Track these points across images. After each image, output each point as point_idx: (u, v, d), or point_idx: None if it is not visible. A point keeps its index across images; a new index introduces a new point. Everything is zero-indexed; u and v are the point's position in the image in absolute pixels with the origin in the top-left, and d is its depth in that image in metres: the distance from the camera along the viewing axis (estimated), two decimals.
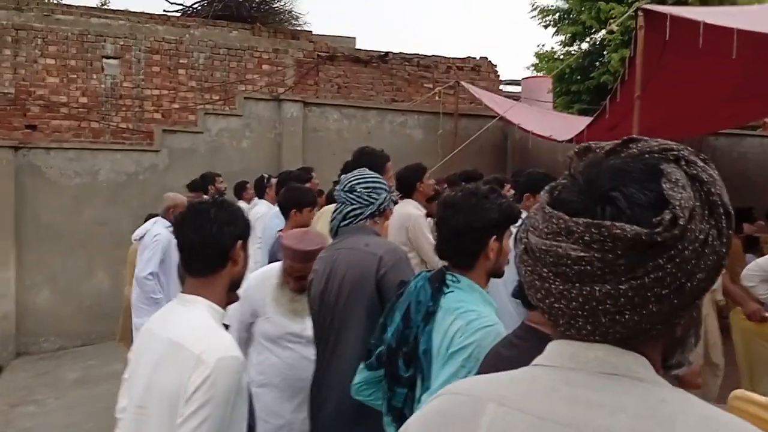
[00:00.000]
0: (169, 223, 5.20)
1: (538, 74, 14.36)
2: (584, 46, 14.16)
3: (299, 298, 2.52)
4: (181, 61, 10.24)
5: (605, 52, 13.01)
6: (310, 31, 11.64)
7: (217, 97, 10.28)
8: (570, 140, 7.96)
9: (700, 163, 0.73)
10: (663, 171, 0.70)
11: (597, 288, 0.68)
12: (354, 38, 13.28)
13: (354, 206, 2.26)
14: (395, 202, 2.43)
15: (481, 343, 1.47)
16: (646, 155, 0.73)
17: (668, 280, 0.67)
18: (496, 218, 1.68)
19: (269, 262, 3.79)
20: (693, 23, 5.16)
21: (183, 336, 1.61)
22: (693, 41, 5.13)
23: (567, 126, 8.28)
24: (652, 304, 0.68)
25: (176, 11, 12.03)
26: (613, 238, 0.67)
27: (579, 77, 13.73)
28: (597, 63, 13.59)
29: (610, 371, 0.70)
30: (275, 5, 12.59)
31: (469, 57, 11.57)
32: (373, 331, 1.88)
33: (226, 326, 1.78)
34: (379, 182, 2.31)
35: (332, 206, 3.32)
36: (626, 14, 6.22)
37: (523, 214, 3.36)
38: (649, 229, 0.66)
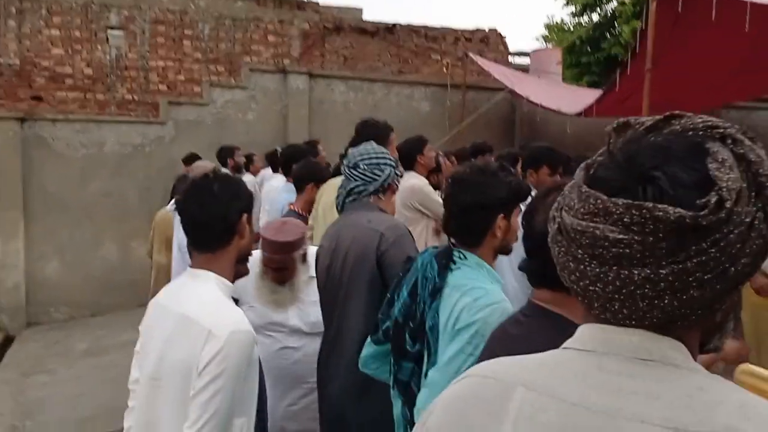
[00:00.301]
0: None
1: (548, 46, 14.19)
2: (595, 17, 13.93)
3: (280, 289, 2.48)
4: (186, 32, 10.14)
5: (616, 24, 12.80)
6: (317, 2, 11.49)
7: (223, 69, 10.21)
8: (579, 113, 7.89)
9: (748, 142, 0.69)
10: (708, 150, 0.67)
11: (636, 272, 0.66)
12: (361, 9, 13.08)
13: (357, 183, 2.25)
14: (401, 176, 2.41)
15: (487, 320, 1.47)
16: (690, 132, 0.70)
17: (711, 265, 0.65)
18: (505, 196, 1.67)
19: None
20: None
21: (194, 310, 1.63)
22: (705, 14, 5.05)
23: (576, 99, 8.20)
24: (693, 289, 0.65)
25: None
26: (655, 221, 0.64)
27: (589, 49, 13.54)
28: (608, 34, 13.38)
29: (646, 357, 0.67)
30: None
31: (477, 29, 11.40)
32: (375, 306, 1.89)
33: (236, 300, 1.80)
34: (383, 158, 2.29)
35: (335, 180, 3.32)
36: None
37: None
38: (693, 212, 0.63)
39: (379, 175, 2.24)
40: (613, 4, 12.78)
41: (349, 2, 12.03)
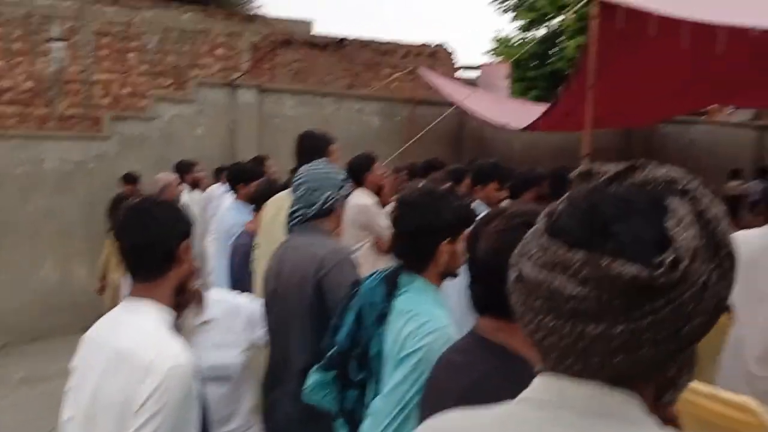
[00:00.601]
0: None
1: (496, 60, 14.46)
2: (541, 32, 14.32)
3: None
4: (131, 44, 9.92)
5: (561, 39, 13.18)
6: (266, 15, 11.42)
7: (170, 82, 10.01)
8: (526, 128, 8.04)
9: (706, 199, 0.69)
10: (667, 206, 0.67)
11: (591, 327, 0.65)
12: (311, 22, 13.10)
13: (299, 205, 2.21)
14: (346, 196, 2.37)
15: (432, 346, 1.45)
16: (651, 185, 0.70)
17: (665, 324, 0.64)
18: (451, 220, 1.66)
19: (231, 258, 3.71)
20: (646, 13, 5.24)
21: (131, 344, 1.55)
22: (646, 31, 5.22)
23: (523, 113, 8.36)
24: (647, 347, 0.65)
25: None
26: (612, 277, 0.63)
27: (536, 63, 13.90)
28: (554, 50, 13.77)
29: (600, 411, 0.67)
30: None
31: (427, 43, 11.54)
32: (318, 333, 1.85)
33: (178, 329, 1.73)
34: (325, 180, 2.24)
35: (281, 194, 3.26)
36: (581, 4, 6.28)
37: (475, 206, 3.39)
38: (649, 271, 0.63)
39: (316, 200, 2.20)
40: (558, 19, 13.14)
41: (299, 15, 12.03)
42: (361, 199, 4.00)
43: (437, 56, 11.41)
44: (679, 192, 0.69)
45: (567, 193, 0.74)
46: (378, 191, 4.26)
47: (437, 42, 11.58)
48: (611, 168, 0.73)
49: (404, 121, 9.33)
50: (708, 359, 3.61)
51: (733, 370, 3.10)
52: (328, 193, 2.19)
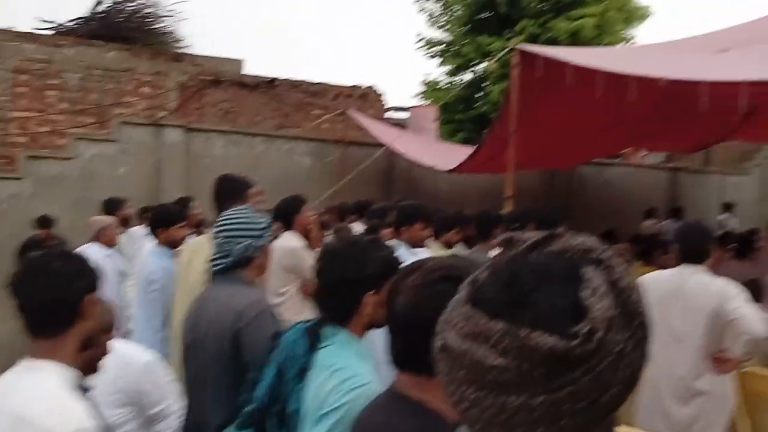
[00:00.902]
0: (106, 249, 4.85)
1: (425, 103, 14.82)
2: (467, 77, 14.80)
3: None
4: (51, 81, 9.55)
5: (487, 84, 13.67)
6: (195, 54, 11.29)
7: (92, 121, 9.67)
8: (452, 170, 8.23)
9: (620, 268, 0.70)
10: (583, 275, 0.68)
11: (512, 399, 0.65)
12: (241, 61, 13.03)
13: (216, 254, 2.15)
14: (268, 242, 2.30)
15: (354, 403, 1.41)
16: (569, 253, 0.71)
17: (583, 395, 0.64)
18: (376, 271, 1.64)
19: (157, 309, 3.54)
20: (562, 63, 5.52)
21: (31, 409, 1.44)
22: (563, 79, 5.48)
23: (450, 155, 8.55)
24: (566, 418, 0.65)
25: (48, 29, 11.26)
26: (530, 348, 0.64)
27: (463, 107, 14.31)
28: (479, 94, 14.24)
29: None
30: (157, 26, 12.12)
31: (357, 85, 11.71)
32: (234, 389, 1.78)
33: (86, 389, 1.62)
34: (242, 229, 2.16)
35: (198, 239, 3.17)
36: (503, 53, 6.55)
37: (396, 245, 3.39)
38: (565, 342, 0.63)
39: (234, 249, 2.12)
40: (482, 66, 13.64)
41: (229, 54, 11.95)
42: (289, 241, 3.95)
43: (367, 98, 11.58)
44: (594, 261, 0.70)
45: (488, 263, 0.74)
46: (307, 234, 4.22)
47: (367, 84, 11.77)
48: (531, 236, 0.74)
49: (335, 162, 9.37)
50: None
51: (651, 408, 3.21)
52: (247, 242, 2.13)
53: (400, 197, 8.34)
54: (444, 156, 8.64)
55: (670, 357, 3.14)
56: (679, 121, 6.97)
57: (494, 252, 3.50)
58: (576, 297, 0.65)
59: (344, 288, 1.63)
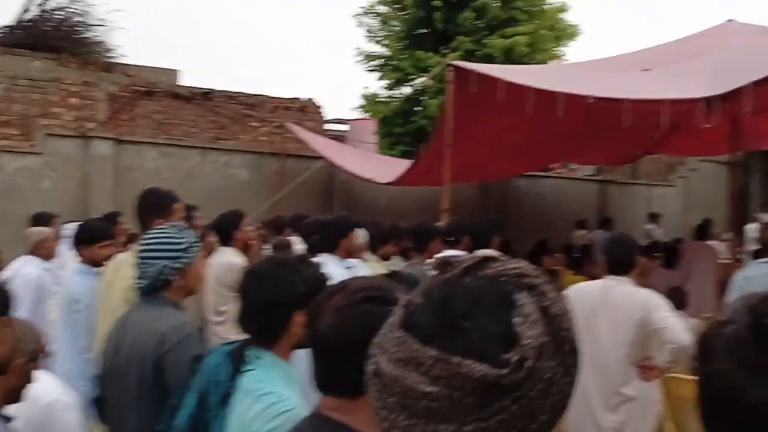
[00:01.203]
0: (44, 263, 4.51)
1: (365, 116, 14.90)
2: (406, 90, 14.96)
3: None
4: None
5: (425, 98, 13.85)
6: (127, 64, 10.97)
7: (15, 133, 9.23)
8: (390, 182, 8.28)
9: (552, 294, 0.70)
10: (515, 302, 0.67)
11: (442, 427, 0.64)
12: (176, 71, 12.74)
13: (137, 276, 2.07)
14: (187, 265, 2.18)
15: (280, 430, 1.37)
16: (502, 279, 0.70)
17: (513, 422, 0.64)
18: (303, 291, 1.60)
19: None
20: (495, 80, 5.65)
21: None
22: (496, 96, 5.61)
23: (389, 168, 8.61)
24: None
25: None
26: (462, 376, 0.63)
27: (401, 120, 14.46)
28: (418, 108, 14.41)
29: None
30: (87, 35, 11.71)
31: (296, 97, 11.64)
32: (156, 416, 1.71)
33: (7, 419, 1.51)
34: (156, 251, 2.06)
35: (121, 256, 3.05)
36: (438, 69, 6.66)
37: (323, 261, 3.36)
38: (496, 370, 0.63)
39: (151, 271, 2.03)
40: (419, 81, 13.83)
41: (164, 64, 11.67)
42: (228, 257, 3.86)
43: (306, 110, 11.52)
44: (527, 287, 0.70)
45: (422, 286, 0.74)
46: (246, 249, 4.13)
47: (306, 96, 11.72)
48: (466, 260, 0.74)
49: (273, 175, 9.26)
50: None
51: (581, 416, 3.29)
52: (164, 264, 2.03)
53: (340, 210, 8.33)
54: (383, 169, 8.69)
55: (598, 366, 3.23)
56: (606, 136, 7.25)
57: (431, 263, 3.52)
58: (508, 324, 0.65)
59: (272, 309, 1.59)
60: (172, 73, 12.36)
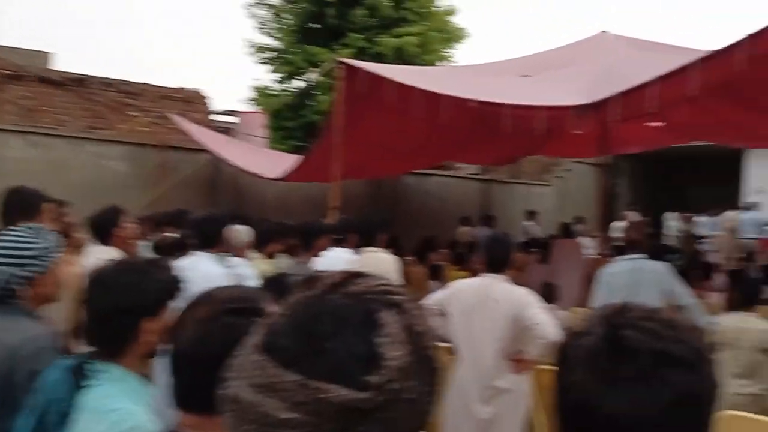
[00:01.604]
0: None
1: (255, 109, 14.57)
2: (298, 84, 14.80)
3: None
4: None
5: (316, 93, 13.76)
6: None
7: None
8: (280, 178, 8.16)
9: (416, 312, 0.69)
10: (379, 320, 0.65)
11: None
12: (48, 54, 11.83)
13: None
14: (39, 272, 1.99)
15: None
16: (368, 296, 0.68)
17: None
18: (153, 297, 1.51)
19: None
20: (383, 79, 5.72)
21: None
22: (384, 95, 5.69)
23: (278, 163, 8.48)
24: None
25: None
26: (323, 402, 0.60)
27: (293, 115, 14.28)
28: (310, 102, 14.30)
29: None
30: None
31: (180, 87, 11.15)
32: None
33: None
34: (7, 257, 1.88)
35: None
36: (328, 66, 6.66)
37: (198, 260, 3.23)
38: (357, 394, 0.61)
39: None
40: (310, 76, 13.74)
41: (35, 47, 10.80)
42: (105, 257, 3.60)
43: (192, 101, 11.08)
44: (391, 305, 0.68)
45: (282, 304, 0.70)
46: (126, 248, 3.88)
47: (192, 87, 11.27)
48: (331, 276, 0.72)
49: (155, 168, 8.83)
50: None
51: (457, 409, 3.41)
52: (10, 272, 1.86)
53: (227, 205, 8.09)
54: (272, 164, 8.54)
55: (474, 360, 3.36)
56: (489, 137, 7.55)
57: (317, 261, 3.47)
58: (371, 344, 0.64)
59: (118, 317, 1.48)
60: (43, 56, 11.47)
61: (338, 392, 0.61)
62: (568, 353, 0.90)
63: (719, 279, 5.83)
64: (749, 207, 11.34)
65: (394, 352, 0.65)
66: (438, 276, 6.61)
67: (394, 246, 6.19)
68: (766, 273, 5.72)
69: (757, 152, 12.32)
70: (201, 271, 3.09)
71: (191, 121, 9.62)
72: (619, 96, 4.81)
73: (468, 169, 12.81)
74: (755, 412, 3.53)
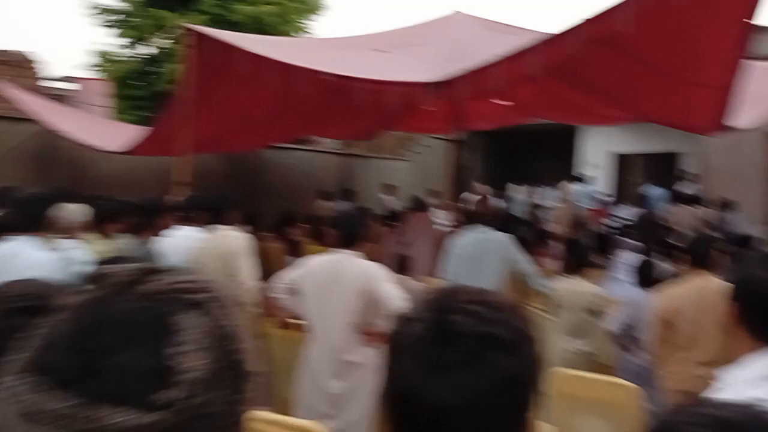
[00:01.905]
0: None
1: (96, 76, 13.42)
2: (145, 51, 13.80)
3: None
4: None
5: (166, 61, 12.94)
6: None
7: None
8: (126, 152, 7.61)
9: (222, 312, 0.60)
10: (175, 325, 0.57)
11: None
12: None
13: None
14: None
15: None
16: (163, 296, 0.59)
17: None
18: None
19: None
20: (235, 48, 5.47)
21: None
22: (237, 65, 5.45)
23: (123, 135, 7.88)
24: None
25: None
26: (105, 430, 0.52)
27: (141, 83, 13.34)
28: (159, 70, 13.41)
29: None
30: None
31: (4, 50, 9.97)
32: None
33: None
34: None
35: None
36: (175, 32, 6.26)
37: (17, 244, 2.90)
38: (144, 416, 0.52)
39: None
40: (157, 42, 12.90)
41: None
42: None
43: (17, 65, 9.94)
44: (191, 305, 0.59)
45: (60, 310, 0.59)
46: None
47: (17, 49, 10.10)
48: (122, 273, 0.61)
49: None
50: (284, 374, 3.88)
51: (310, 386, 3.41)
52: None
53: (65, 181, 7.40)
54: (116, 136, 7.92)
55: (326, 336, 3.37)
56: (347, 112, 7.53)
57: (161, 241, 3.25)
58: (161, 356, 0.55)
59: None
60: None
61: (121, 416, 0.53)
62: (397, 340, 0.88)
63: (556, 247, 6.31)
64: (580, 179, 12.36)
65: (191, 362, 0.56)
66: (296, 251, 6.53)
67: (251, 222, 6.01)
68: (597, 240, 6.27)
69: (590, 129, 13.50)
70: (22, 257, 2.79)
71: (17, 87, 8.63)
72: (467, 74, 4.98)
73: (329, 143, 12.78)
74: (586, 369, 3.88)
